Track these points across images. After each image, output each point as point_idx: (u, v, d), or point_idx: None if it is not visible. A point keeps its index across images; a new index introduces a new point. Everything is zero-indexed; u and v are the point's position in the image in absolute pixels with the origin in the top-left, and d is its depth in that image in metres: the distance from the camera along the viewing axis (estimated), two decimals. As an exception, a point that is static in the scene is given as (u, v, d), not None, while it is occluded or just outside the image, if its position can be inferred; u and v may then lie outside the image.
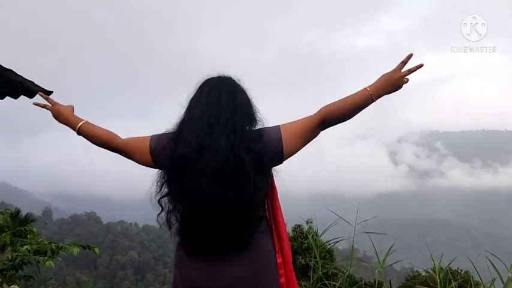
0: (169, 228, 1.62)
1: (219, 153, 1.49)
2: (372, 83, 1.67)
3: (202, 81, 1.72)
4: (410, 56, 1.65)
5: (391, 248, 3.13)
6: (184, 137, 1.56)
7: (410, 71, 1.65)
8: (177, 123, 1.64)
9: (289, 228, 16.97)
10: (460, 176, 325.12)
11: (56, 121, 1.87)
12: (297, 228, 16.64)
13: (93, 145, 1.84)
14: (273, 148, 1.59)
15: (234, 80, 1.72)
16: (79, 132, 1.83)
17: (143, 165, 1.73)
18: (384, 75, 1.67)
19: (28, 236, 9.00)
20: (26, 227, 9.19)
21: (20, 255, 7.21)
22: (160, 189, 1.62)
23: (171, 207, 1.61)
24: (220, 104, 1.59)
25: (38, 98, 1.98)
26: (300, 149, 1.66)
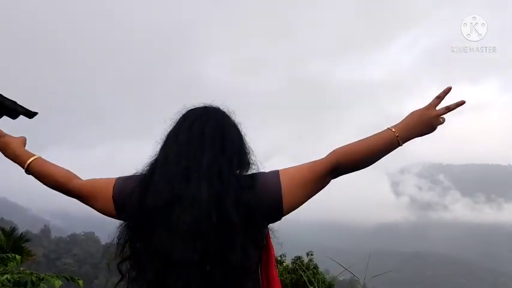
0: None
1: (198, 206, 1.15)
2: (398, 122, 1.33)
3: (183, 112, 1.38)
4: (448, 90, 1.32)
5: None
6: (155, 182, 1.22)
7: (449, 109, 1.31)
8: (149, 164, 1.31)
9: (289, 260, 16.76)
10: (462, 210, 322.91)
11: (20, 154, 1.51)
12: (297, 260, 16.40)
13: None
14: (270, 200, 1.23)
15: (223, 112, 1.39)
16: (28, 170, 1.47)
17: (105, 214, 1.38)
18: (413, 112, 1.33)
19: (10, 263, 8.75)
20: (9, 254, 8.97)
21: (-2, 286, 7.00)
22: (122, 250, 1.27)
23: (133, 275, 1.23)
24: (203, 141, 1.26)
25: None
26: (304, 202, 1.29)
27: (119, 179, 1.37)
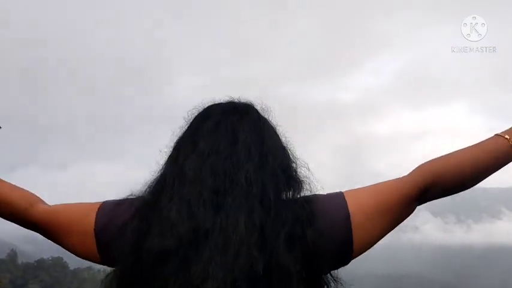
0: None
1: (235, 247, 0.77)
2: (509, 128, 0.97)
3: (200, 109, 1.00)
4: None
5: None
6: (164, 211, 0.82)
7: None
8: (151, 183, 0.92)
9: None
10: (433, 231, 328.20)
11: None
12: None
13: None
14: (335, 237, 0.87)
15: (257, 110, 1.00)
16: None
17: (81, 256, 0.98)
18: None
19: None
20: None
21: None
22: None
23: None
24: (236, 150, 0.88)
25: None
26: (381, 238, 0.95)
27: (105, 204, 0.96)
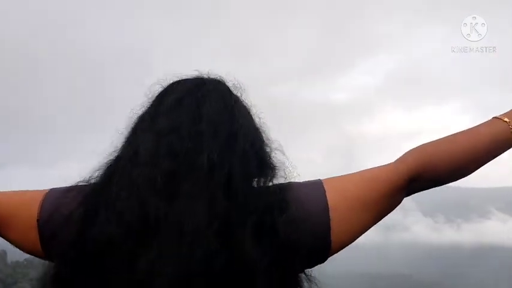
0: None
1: (192, 239, 0.67)
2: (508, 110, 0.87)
3: (164, 84, 0.88)
4: None
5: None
6: (112, 197, 0.73)
7: None
8: (103, 167, 0.81)
9: None
10: (423, 231, 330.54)
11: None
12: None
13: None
14: (311, 231, 0.75)
15: (228, 87, 0.88)
16: None
17: (24, 250, 0.86)
18: None
19: None
20: None
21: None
22: None
23: None
24: (200, 129, 0.77)
25: None
26: (364, 232, 0.83)
27: (51, 192, 0.84)
